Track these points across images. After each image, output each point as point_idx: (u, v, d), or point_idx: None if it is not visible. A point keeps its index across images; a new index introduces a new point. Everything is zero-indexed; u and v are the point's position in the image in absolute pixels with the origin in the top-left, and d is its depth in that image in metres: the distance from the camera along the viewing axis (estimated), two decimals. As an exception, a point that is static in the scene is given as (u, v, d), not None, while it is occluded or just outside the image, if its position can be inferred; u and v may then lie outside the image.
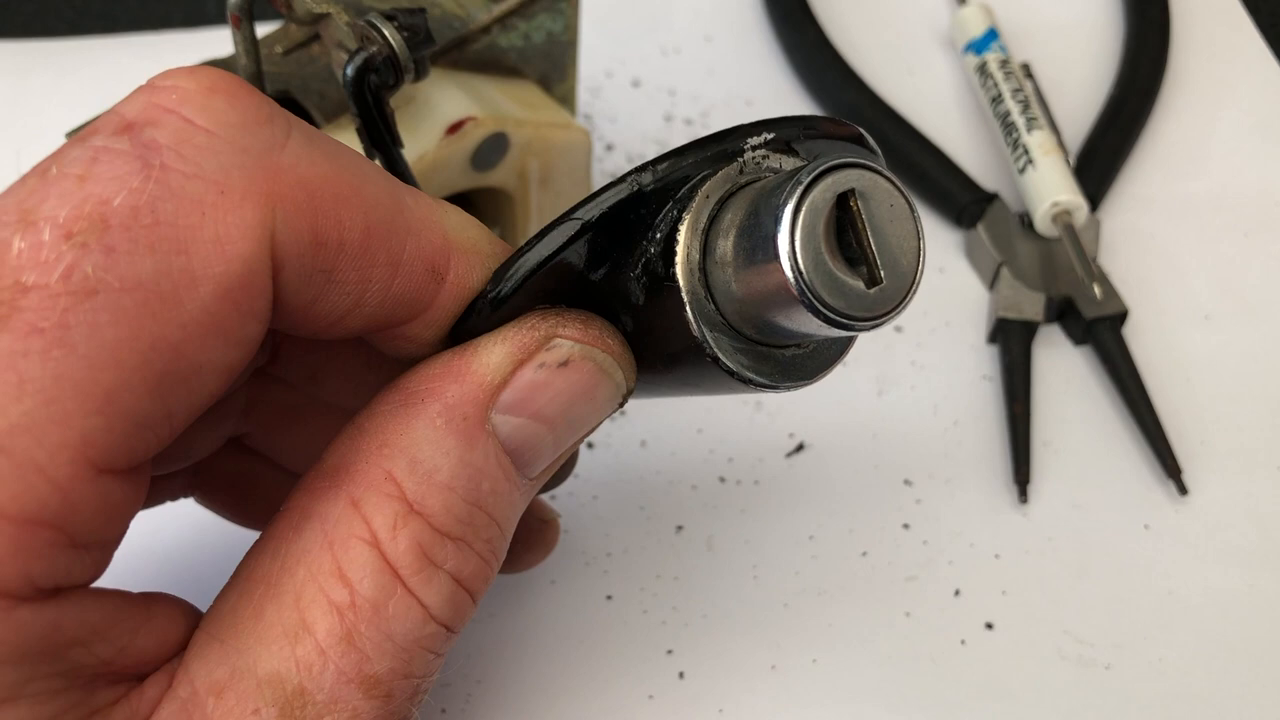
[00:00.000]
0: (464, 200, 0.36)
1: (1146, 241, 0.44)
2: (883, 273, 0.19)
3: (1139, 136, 0.47)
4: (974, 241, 0.43)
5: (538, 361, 0.22)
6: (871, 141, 0.22)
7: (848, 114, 0.46)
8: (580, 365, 0.22)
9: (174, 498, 0.29)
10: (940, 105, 0.48)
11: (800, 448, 0.38)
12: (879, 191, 0.19)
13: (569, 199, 0.39)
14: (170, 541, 0.32)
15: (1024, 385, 0.39)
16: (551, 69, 0.38)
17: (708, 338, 0.20)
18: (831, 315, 0.18)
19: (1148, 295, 0.42)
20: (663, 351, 0.22)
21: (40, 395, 0.17)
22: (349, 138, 0.30)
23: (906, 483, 0.37)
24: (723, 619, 0.34)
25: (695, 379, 0.22)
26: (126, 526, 0.20)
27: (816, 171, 0.18)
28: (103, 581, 0.20)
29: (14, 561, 0.17)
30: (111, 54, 0.48)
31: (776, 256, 0.18)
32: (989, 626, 0.34)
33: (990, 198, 0.44)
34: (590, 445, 0.38)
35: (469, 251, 0.22)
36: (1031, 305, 0.41)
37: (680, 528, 0.36)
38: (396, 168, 0.29)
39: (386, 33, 0.27)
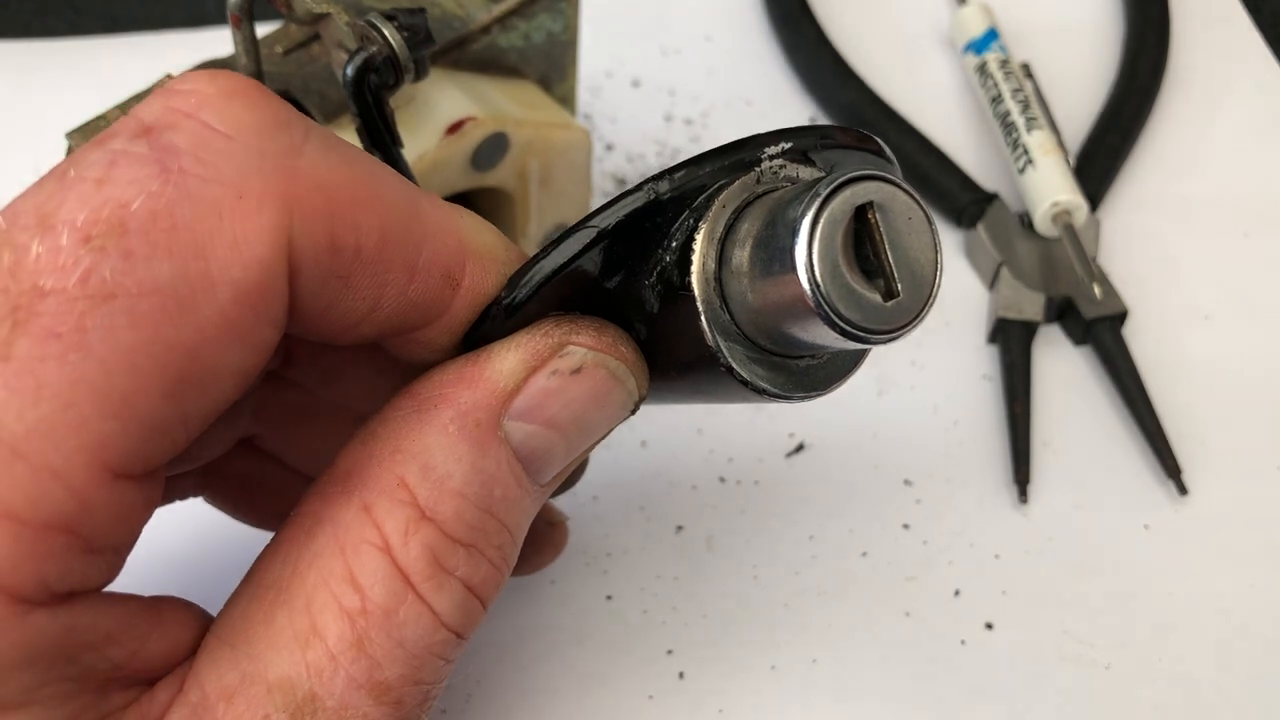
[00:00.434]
0: (464, 200, 0.36)
1: (1146, 241, 0.44)
2: (900, 285, 0.19)
3: (1139, 136, 0.47)
4: (974, 241, 0.43)
5: (551, 368, 0.22)
6: (888, 152, 0.22)
7: (847, 114, 0.46)
8: (593, 372, 0.22)
9: (183, 497, 0.29)
10: (940, 105, 0.48)
11: (800, 448, 0.38)
12: (897, 204, 0.19)
13: (569, 199, 0.39)
14: (180, 543, 0.32)
15: (1024, 385, 0.39)
16: (551, 69, 0.38)
17: (722, 347, 0.20)
18: (848, 328, 0.18)
19: (1148, 295, 0.42)
20: (676, 360, 0.22)
21: (57, 400, 0.17)
22: (349, 138, 0.30)
23: (906, 483, 0.37)
24: (723, 619, 0.34)
25: (708, 387, 0.22)
26: (140, 531, 0.20)
27: (835, 184, 0.18)
28: (114, 583, 0.20)
29: (29, 566, 0.17)
30: (111, 54, 0.48)
31: (793, 268, 0.18)
32: (989, 626, 0.34)
33: (990, 198, 0.44)
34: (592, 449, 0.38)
35: (484, 257, 0.22)
36: (1031, 305, 0.41)
37: (680, 528, 0.36)
38: (397, 168, 0.29)
39: (386, 33, 0.27)
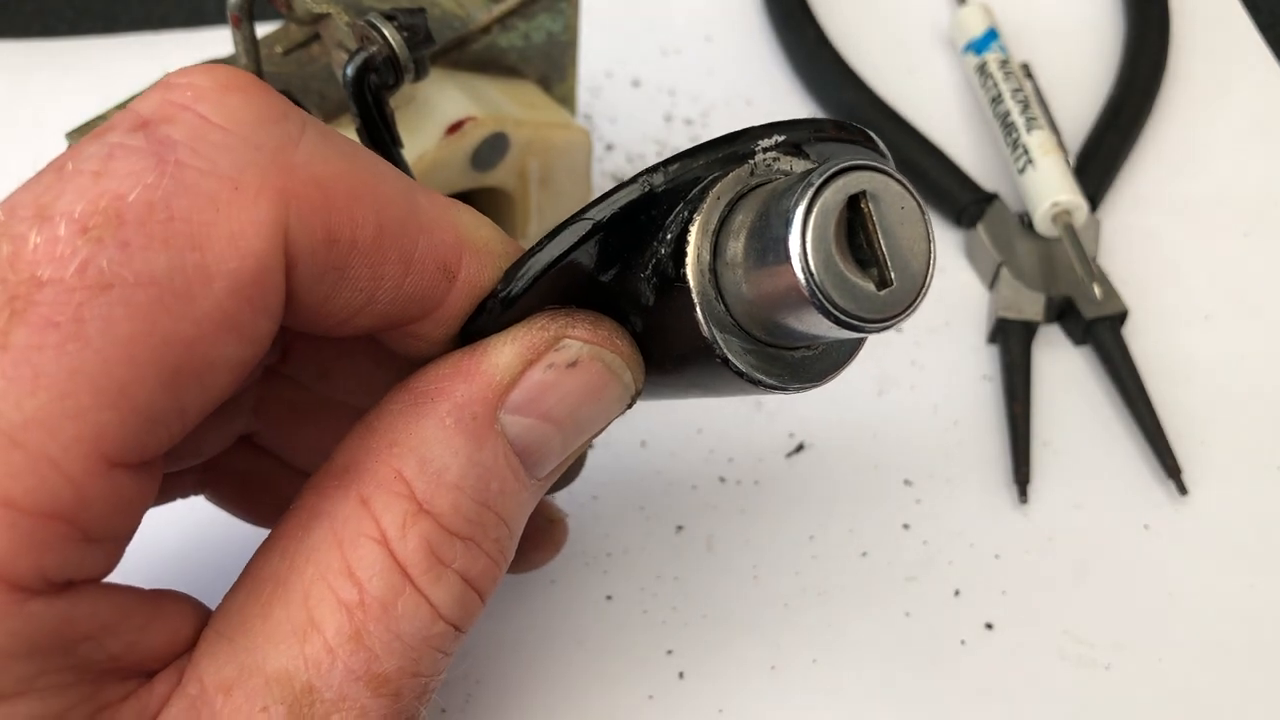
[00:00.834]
0: (464, 200, 0.36)
1: (1146, 241, 0.44)
2: (893, 275, 0.19)
3: (1139, 136, 0.47)
4: (974, 241, 0.43)
5: (547, 362, 0.22)
6: (881, 144, 0.22)
7: (847, 114, 0.46)
8: (589, 365, 0.22)
9: (184, 495, 0.29)
10: (940, 105, 0.48)
11: (800, 448, 0.38)
12: (890, 194, 0.19)
13: (569, 199, 0.39)
14: (179, 538, 0.32)
15: (1024, 385, 0.39)
16: (551, 69, 0.38)
17: (718, 338, 0.20)
18: (842, 317, 0.18)
19: (1148, 295, 0.42)
20: (672, 352, 0.22)
21: (55, 389, 0.17)
22: (349, 137, 0.30)
23: (906, 483, 0.37)
24: (723, 619, 0.34)
25: (704, 380, 0.22)
26: (138, 521, 0.20)
27: (828, 173, 0.18)
28: (112, 578, 0.20)
29: (27, 555, 0.17)
30: (111, 54, 0.48)
31: (788, 258, 0.18)
32: (989, 626, 0.34)
33: (990, 198, 0.44)
34: (591, 445, 0.37)
35: (481, 250, 0.22)
36: (1031, 305, 0.41)
37: (680, 528, 0.36)
38: (397, 168, 0.29)
39: (386, 33, 0.27)
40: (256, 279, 0.19)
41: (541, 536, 0.31)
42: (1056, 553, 0.36)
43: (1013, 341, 0.40)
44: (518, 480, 0.22)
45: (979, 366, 0.41)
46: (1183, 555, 0.36)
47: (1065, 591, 0.35)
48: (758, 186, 0.21)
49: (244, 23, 0.28)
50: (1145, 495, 0.37)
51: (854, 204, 0.18)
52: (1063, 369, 0.41)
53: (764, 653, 0.33)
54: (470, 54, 0.35)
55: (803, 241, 0.18)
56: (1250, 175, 0.47)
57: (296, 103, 0.32)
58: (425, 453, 0.21)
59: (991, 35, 0.48)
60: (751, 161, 0.21)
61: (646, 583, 0.35)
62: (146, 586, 0.21)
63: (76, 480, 0.18)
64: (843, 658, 0.33)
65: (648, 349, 0.23)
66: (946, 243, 0.44)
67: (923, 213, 0.19)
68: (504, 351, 0.22)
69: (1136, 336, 0.41)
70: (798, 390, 0.22)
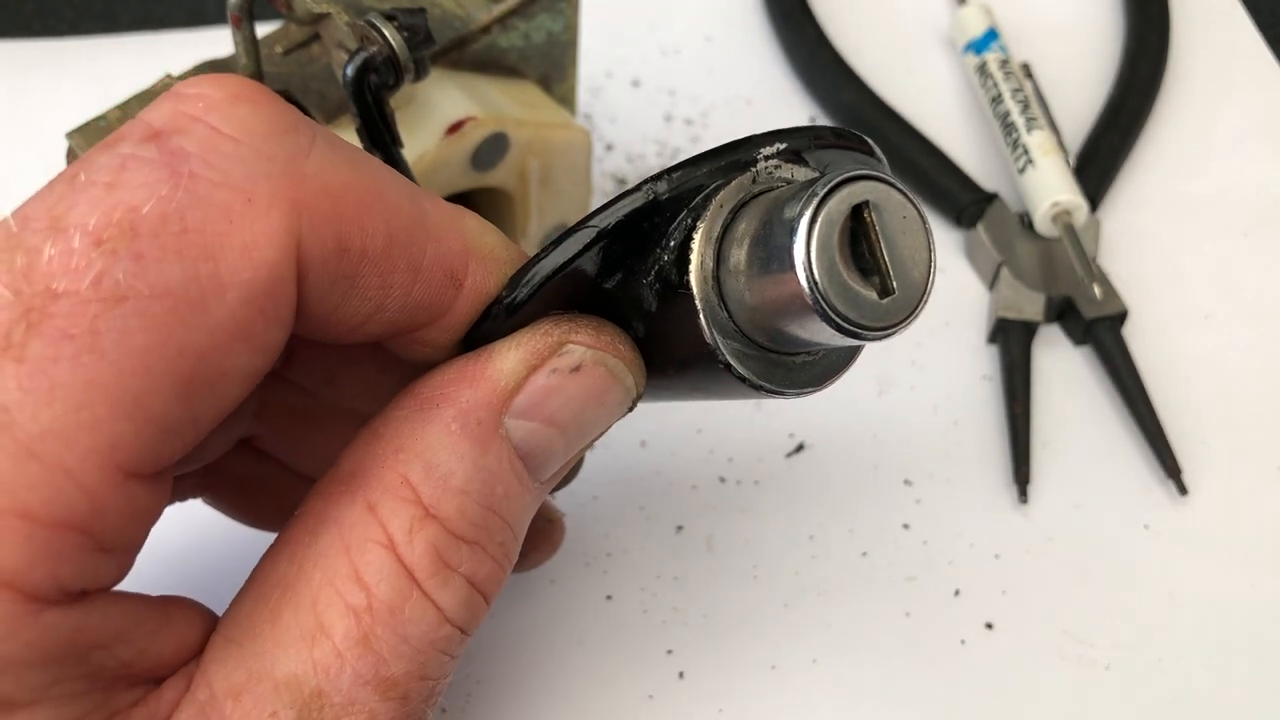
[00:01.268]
0: (464, 200, 0.36)
1: (1146, 241, 0.44)
2: (895, 283, 0.19)
3: (1139, 136, 0.47)
4: (974, 241, 0.43)
5: (550, 367, 0.22)
6: (878, 152, 0.22)
7: (847, 114, 0.46)
8: (592, 370, 0.22)
9: (183, 498, 0.29)
10: (940, 105, 0.48)
11: (800, 448, 0.38)
12: (892, 204, 0.19)
13: (569, 199, 0.39)
14: (185, 546, 0.32)
15: (1024, 385, 0.39)
16: (551, 69, 0.38)
17: (720, 344, 0.21)
18: (845, 325, 0.19)
19: (1148, 295, 0.42)
20: (674, 357, 0.22)
21: (70, 401, 0.17)
22: (349, 138, 0.30)
23: (906, 483, 0.37)
24: (723, 619, 0.34)
25: (704, 384, 0.22)
26: (149, 530, 0.20)
27: (832, 183, 0.18)
28: (121, 584, 0.20)
29: (43, 565, 0.17)
30: (111, 54, 0.48)
31: (792, 266, 0.18)
32: (989, 626, 0.34)
33: (990, 198, 0.44)
34: (591, 447, 0.37)
35: (486, 257, 0.22)
36: (1031, 305, 0.41)
37: (680, 528, 0.36)
38: (397, 168, 0.29)
39: (386, 33, 0.27)
40: (269, 289, 0.19)
41: (540, 537, 0.31)
42: (1056, 553, 0.36)
43: (1013, 341, 0.40)
44: (522, 484, 0.22)
45: (979, 366, 0.41)
46: (1183, 555, 0.36)
47: (1065, 591, 0.35)
48: (760, 194, 0.21)
49: (244, 23, 0.28)
50: (1145, 495, 0.37)
51: (857, 213, 0.19)
52: (1063, 369, 0.41)
53: (764, 653, 0.33)
54: (470, 54, 0.35)
55: (807, 250, 0.18)
56: (1250, 175, 0.47)
57: (297, 103, 0.32)
58: (431, 458, 0.21)
59: (991, 35, 0.48)
60: (753, 169, 0.21)
61: (646, 583, 0.35)
62: (153, 593, 0.21)
63: (92, 491, 0.18)
64: (843, 658, 0.33)
65: (649, 353, 0.23)
66: (946, 243, 0.44)
67: (924, 222, 0.19)
68: (508, 357, 0.22)
69: (1136, 336, 0.41)
70: (797, 395, 0.22)
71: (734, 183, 0.21)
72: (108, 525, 0.18)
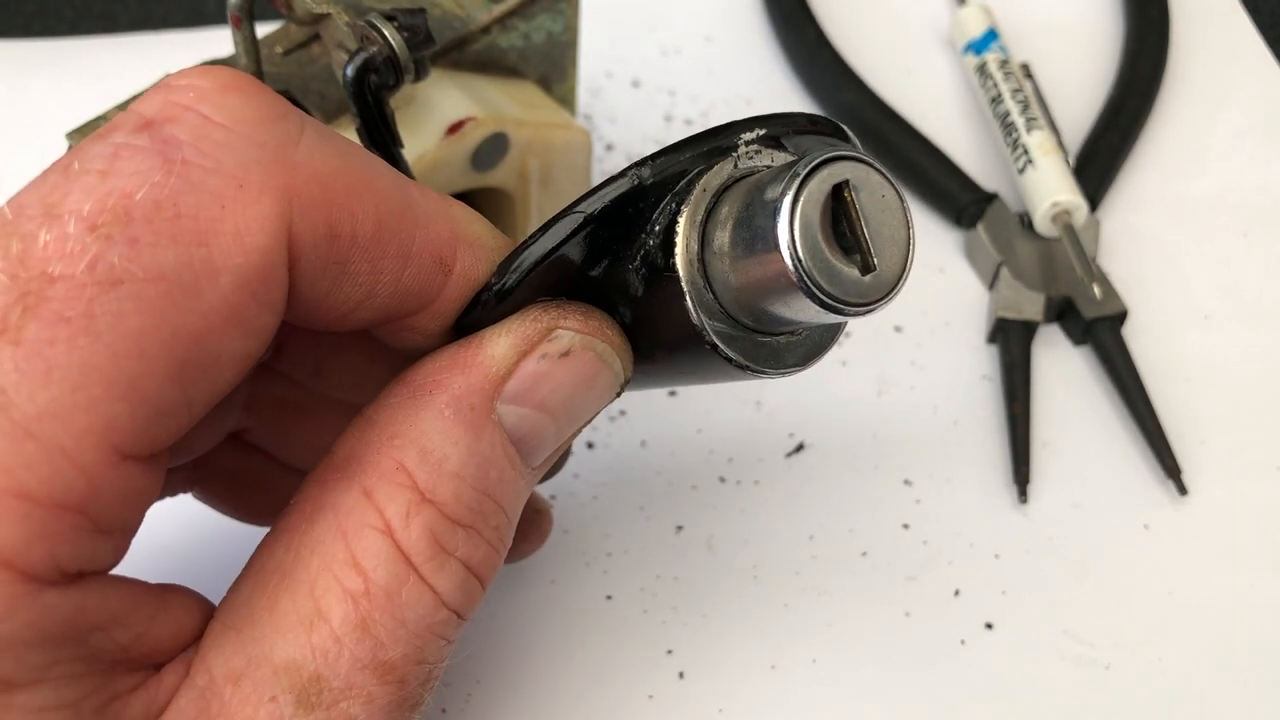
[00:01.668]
0: (464, 200, 0.36)
1: (1146, 241, 0.44)
2: (876, 260, 0.19)
3: (1139, 136, 0.47)
4: (974, 241, 0.43)
5: (540, 352, 0.22)
6: (853, 138, 0.23)
7: (847, 114, 0.46)
8: (581, 355, 0.22)
9: (173, 493, 0.29)
10: (940, 105, 0.48)
11: (800, 448, 0.38)
12: (871, 183, 0.20)
13: (569, 199, 0.39)
14: (182, 540, 0.32)
15: (1024, 385, 0.39)
16: (551, 69, 0.38)
17: (706, 326, 0.21)
18: (829, 301, 0.19)
19: (1147, 295, 0.42)
20: (660, 341, 0.23)
21: (67, 382, 0.17)
22: (349, 138, 0.30)
23: (906, 483, 0.37)
24: (723, 619, 0.34)
25: (691, 367, 0.23)
26: (144, 513, 0.20)
27: (814, 163, 0.19)
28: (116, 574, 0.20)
29: (42, 545, 0.18)
30: (111, 54, 0.48)
31: (776, 245, 0.19)
32: (989, 626, 0.34)
33: (990, 198, 0.44)
34: (590, 445, 0.38)
35: (475, 244, 0.23)
36: (1031, 305, 0.41)
37: (680, 528, 0.36)
38: (397, 168, 0.29)
39: (386, 33, 0.27)
40: (261, 274, 0.19)
41: (528, 527, 0.31)
42: (1056, 553, 0.36)
43: (1012, 341, 0.40)
44: (515, 469, 0.23)
45: (979, 366, 0.41)
46: (1183, 555, 0.36)
47: (1065, 591, 0.35)
48: (742, 178, 0.21)
49: (244, 23, 0.28)
50: (1145, 495, 0.37)
51: (837, 193, 0.19)
52: (1062, 369, 0.41)
53: (764, 653, 0.33)
54: (470, 54, 0.35)
55: (790, 229, 0.19)
56: (1250, 175, 0.47)
57: (296, 103, 0.32)
58: (425, 444, 0.21)
59: (991, 35, 0.48)
60: (734, 154, 0.21)
61: (646, 583, 0.35)
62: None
63: (89, 471, 0.18)
64: (843, 658, 0.33)
65: (636, 339, 0.23)
66: (946, 243, 0.44)
67: (902, 201, 0.20)
68: (499, 343, 0.22)
69: (1136, 336, 0.41)
70: (782, 375, 0.22)
71: (716, 168, 0.21)
72: (104, 506, 0.18)
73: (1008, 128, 0.45)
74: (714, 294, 0.21)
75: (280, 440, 0.29)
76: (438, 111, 0.33)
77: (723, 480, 0.37)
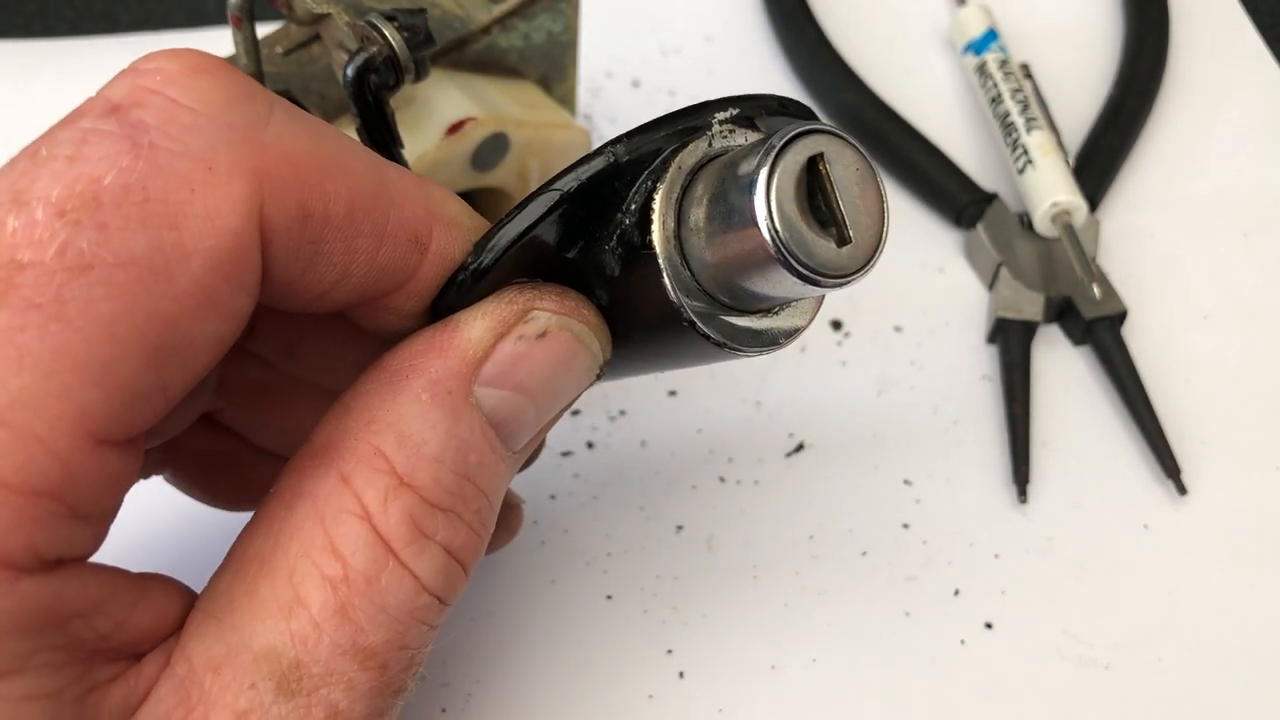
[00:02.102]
0: (464, 200, 0.36)
1: (1146, 241, 0.44)
2: (851, 232, 0.20)
3: (1138, 136, 0.47)
4: (974, 241, 0.43)
5: (517, 334, 0.22)
6: (820, 118, 0.23)
7: (847, 114, 0.46)
8: (558, 336, 0.22)
9: (146, 475, 0.29)
10: (940, 105, 0.48)
11: (800, 448, 0.38)
12: (845, 157, 0.20)
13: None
14: (165, 532, 0.32)
15: (1023, 385, 0.39)
16: (551, 69, 0.38)
17: (685, 304, 0.21)
18: (807, 273, 0.19)
19: (1147, 295, 0.42)
20: (639, 322, 0.23)
21: (39, 369, 0.17)
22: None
23: (906, 483, 0.37)
24: (723, 619, 0.34)
25: (670, 348, 0.23)
26: (122, 499, 0.20)
27: (788, 137, 0.19)
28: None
29: (18, 532, 0.17)
30: (112, 54, 0.47)
31: (753, 218, 0.19)
32: (989, 626, 0.34)
33: (990, 198, 0.44)
34: (590, 445, 0.38)
35: (451, 223, 0.23)
36: (1031, 305, 0.41)
37: (680, 528, 0.36)
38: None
39: (387, 33, 0.27)
40: (233, 256, 0.19)
41: (499, 522, 0.31)
42: (1056, 552, 0.36)
43: (1012, 341, 0.40)
44: (495, 452, 0.22)
45: (979, 366, 0.41)
46: (1182, 555, 0.36)
47: (1065, 591, 0.35)
48: (716, 156, 0.21)
49: (244, 23, 0.28)
50: (1145, 495, 0.37)
51: (811, 167, 0.19)
52: (1062, 369, 0.41)
53: (764, 653, 0.33)
54: (470, 54, 0.35)
55: (767, 202, 0.19)
56: (1250, 175, 0.47)
57: (297, 103, 0.32)
58: (403, 428, 0.21)
59: (991, 36, 0.48)
60: (709, 134, 0.22)
61: (646, 583, 0.35)
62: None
63: (64, 457, 0.18)
64: (843, 658, 0.33)
65: (614, 321, 0.23)
66: (946, 243, 0.44)
67: (875, 174, 0.20)
68: (475, 325, 0.22)
69: (1136, 336, 0.41)
70: (759, 353, 0.23)
71: (691, 146, 0.21)
72: (81, 492, 0.18)
73: (1007, 128, 0.45)
74: (691, 272, 0.21)
75: (252, 422, 0.29)
76: (438, 111, 0.33)
77: (723, 480, 0.37)
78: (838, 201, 0.19)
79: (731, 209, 0.20)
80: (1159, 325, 0.42)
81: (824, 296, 0.23)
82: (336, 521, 0.21)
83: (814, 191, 0.19)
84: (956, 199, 0.44)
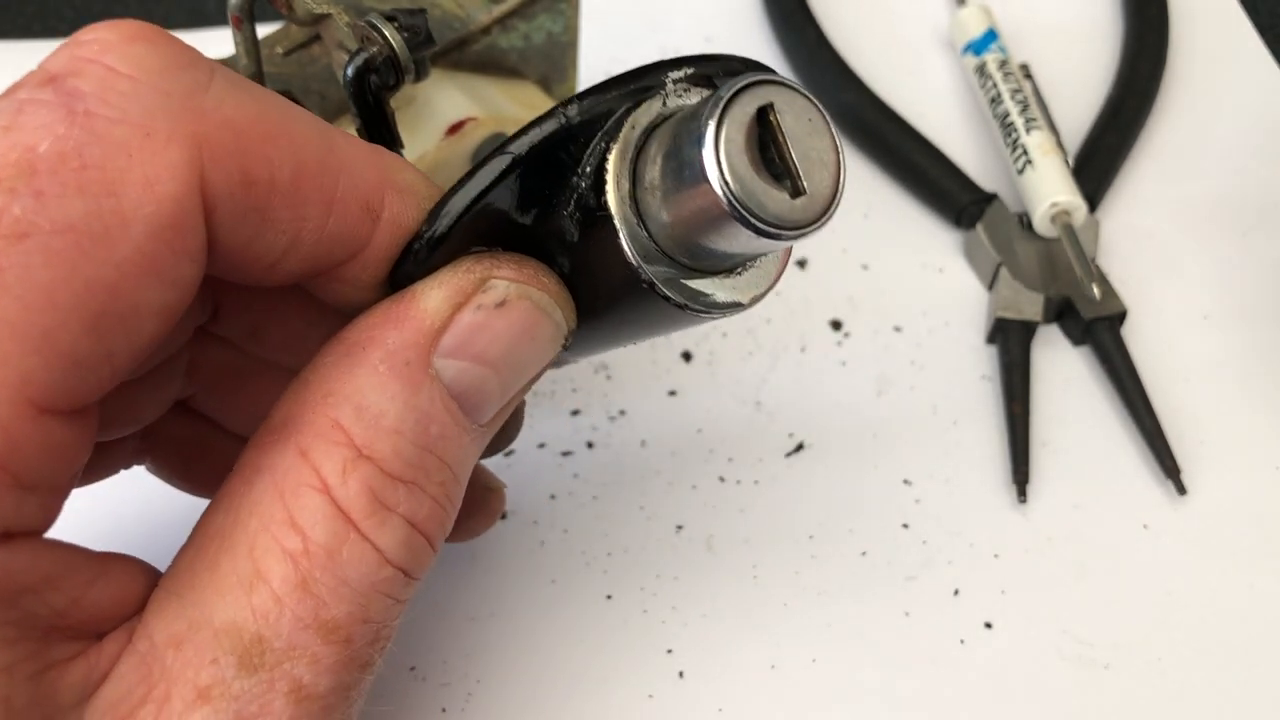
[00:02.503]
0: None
1: (1145, 241, 0.44)
2: (805, 183, 0.19)
3: (1138, 137, 0.47)
4: (973, 242, 0.43)
5: (475, 303, 0.22)
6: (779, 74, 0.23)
7: (847, 114, 0.47)
8: (517, 304, 0.22)
9: (126, 466, 0.29)
10: (940, 106, 0.48)
11: (800, 448, 0.38)
12: (796, 107, 0.19)
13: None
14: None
15: (1023, 385, 0.39)
16: (552, 70, 0.38)
17: (643, 265, 0.21)
18: (761, 226, 0.19)
19: (1146, 295, 0.42)
20: (601, 290, 0.23)
21: None
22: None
23: (906, 483, 0.37)
24: (723, 619, 0.34)
25: (634, 314, 0.23)
26: (74, 472, 0.20)
27: (736, 88, 0.19)
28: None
29: None
30: (111, 54, 0.48)
31: (704, 173, 0.19)
32: (988, 626, 0.34)
33: (989, 198, 0.44)
34: (590, 445, 0.38)
35: (404, 190, 0.22)
36: (1030, 305, 0.41)
37: (680, 528, 0.36)
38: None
39: (387, 33, 0.27)
40: (174, 222, 0.19)
41: (477, 505, 0.31)
42: (1056, 552, 0.36)
43: (1012, 341, 0.40)
44: (457, 424, 0.22)
45: (978, 366, 0.41)
46: (1182, 555, 0.36)
47: (1065, 591, 0.35)
48: (671, 115, 0.21)
49: (245, 23, 0.28)
50: (1144, 495, 0.37)
51: (763, 118, 0.19)
52: (1062, 369, 0.41)
53: (764, 653, 0.33)
54: (470, 55, 0.35)
55: (716, 155, 0.19)
56: (1250, 175, 0.47)
57: (297, 102, 0.32)
58: (361, 400, 0.21)
59: (991, 36, 0.48)
60: (663, 92, 0.21)
61: (646, 582, 0.35)
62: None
63: (5, 426, 0.18)
64: (843, 658, 0.33)
65: (577, 289, 0.23)
66: (946, 243, 0.44)
67: (828, 124, 0.20)
68: (432, 296, 0.22)
69: (1135, 336, 0.41)
70: (722, 314, 0.22)
71: (644, 105, 0.21)
72: (24, 461, 0.18)
73: (1007, 128, 0.45)
74: (649, 232, 0.21)
75: (224, 407, 0.29)
76: (438, 112, 0.33)
77: (723, 480, 0.37)
78: (790, 153, 0.19)
79: (683, 164, 0.19)
80: (1159, 325, 0.42)
81: (789, 254, 0.23)
82: (295, 495, 0.21)
83: (766, 143, 0.19)
84: (956, 199, 0.44)
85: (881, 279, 0.43)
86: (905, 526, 0.36)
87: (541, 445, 0.37)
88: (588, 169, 0.21)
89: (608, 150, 0.21)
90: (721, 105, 0.19)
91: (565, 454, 0.37)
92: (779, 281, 0.23)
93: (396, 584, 0.22)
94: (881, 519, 0.36)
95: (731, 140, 0.19)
